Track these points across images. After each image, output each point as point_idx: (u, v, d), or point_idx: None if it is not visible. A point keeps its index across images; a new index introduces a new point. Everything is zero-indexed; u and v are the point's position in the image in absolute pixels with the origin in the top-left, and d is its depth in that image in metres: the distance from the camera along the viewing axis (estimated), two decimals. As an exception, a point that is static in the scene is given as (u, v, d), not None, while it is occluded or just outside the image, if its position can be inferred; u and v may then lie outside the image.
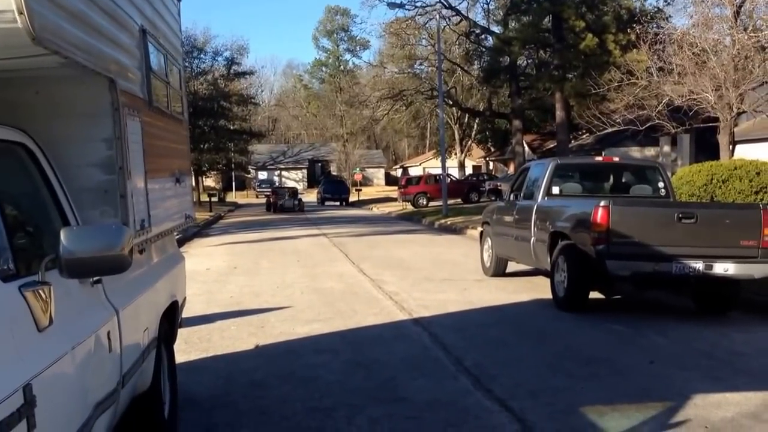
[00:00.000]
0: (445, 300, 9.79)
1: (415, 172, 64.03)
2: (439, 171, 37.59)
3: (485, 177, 48.86)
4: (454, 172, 53.71)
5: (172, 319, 4.85)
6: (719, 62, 18.41)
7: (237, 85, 56.56)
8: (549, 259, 9.50)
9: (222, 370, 6.37)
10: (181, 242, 16.24)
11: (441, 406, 5.26)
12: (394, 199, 45.79)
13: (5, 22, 2.42)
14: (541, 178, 10.60)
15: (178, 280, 5.25)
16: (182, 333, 6.21)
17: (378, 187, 74.32)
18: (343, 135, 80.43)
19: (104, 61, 3.41)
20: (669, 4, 30.37)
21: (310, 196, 57.98)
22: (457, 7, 38.47)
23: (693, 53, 18.70)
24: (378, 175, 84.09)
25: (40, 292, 2.49)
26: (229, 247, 18.30)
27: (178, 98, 5.55)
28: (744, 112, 19.83)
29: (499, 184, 34.83)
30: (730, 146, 18.88)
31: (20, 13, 2.40)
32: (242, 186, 75.74)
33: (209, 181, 64.62)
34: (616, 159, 13.16)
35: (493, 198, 31.01)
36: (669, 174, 12.33)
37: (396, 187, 51.24)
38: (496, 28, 40.55)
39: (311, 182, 78.71)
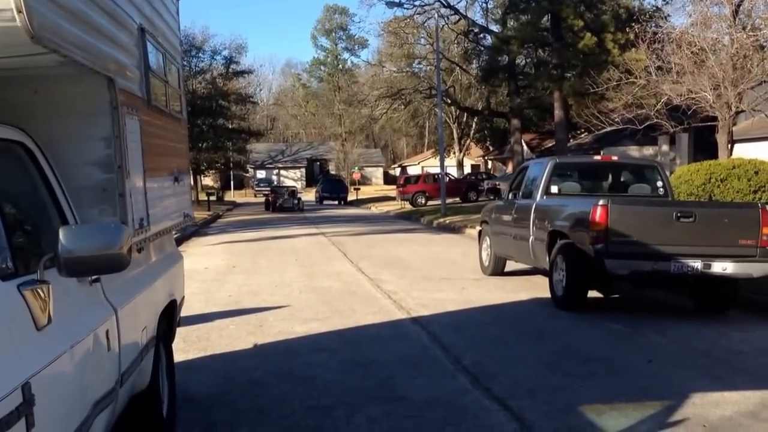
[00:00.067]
0: (443, 299, 9.80)
1: (413, 171, 64.07)
2: (437, 170, 37.60)
3: (484, 176, 48.89)
4: (453, 171, 53.66)
5: (170, 318, 4.85)
6: (718, 61, 18.41)
7: (235, 84, 56.55)
8: (548, 258, 9.50)
9: (220, 369, 6.36)
10: (179, 241, 16.23)
11: (439, 405, 5.26)
12: (393, 198, 45.78)
13: (4, 20, 2.42)
14: (540, 177, 10.61)
15: (177, 279, 5.25)
16: (181, 332, 6.21)
17: (376, 186, 74.31)
18: (341, 134, 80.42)
19: (103, 60, 3.41)
20: (668, 3, 30.38)
21: (309, 195, 57.91)
22: (456, 6, 38.51)
23: (692, 52, 18.71)
24: (376, 174, 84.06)
25: (39, 290, 2.49)
26: (227, 246, 18.30)
27: (176, 97, 5.55)
28: (742, 111, 19.82)
29: (497, 183, 34.75)
30: (729, 145, 18.89)
31: (19, 11, 2.40)
32: (240, 185, 75.73)
33: (208, 180, 64.64)
34: (615, 158, 13.17)
35: (491, 197, 30.84)
36: (667, 173, 12.34)
37: (394, 186, 51.23)
38: (494, 27, 40.57)
39: (309, 181, 78.68)
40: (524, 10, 34.26)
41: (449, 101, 47.90)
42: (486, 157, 59.62)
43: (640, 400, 5.33)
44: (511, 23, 36.52)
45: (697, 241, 8.30)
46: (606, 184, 11.07)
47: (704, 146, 26.08)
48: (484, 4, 43.70)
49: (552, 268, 9.28)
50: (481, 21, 42.58)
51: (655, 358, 6.61)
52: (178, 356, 5.94)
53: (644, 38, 21.11)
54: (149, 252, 4.45)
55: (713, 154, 19.22)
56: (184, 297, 5.62)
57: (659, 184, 10.68)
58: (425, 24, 41.61)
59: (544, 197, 10.38)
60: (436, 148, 44.19)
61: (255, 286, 11.14)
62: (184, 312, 6.07)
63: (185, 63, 40.64)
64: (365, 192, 58.14)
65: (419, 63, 48.95)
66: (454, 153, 58.60)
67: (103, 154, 3.58)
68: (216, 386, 5.83)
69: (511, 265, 11.98)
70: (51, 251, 2.60)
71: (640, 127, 22.05)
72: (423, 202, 39.53)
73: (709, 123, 19.79)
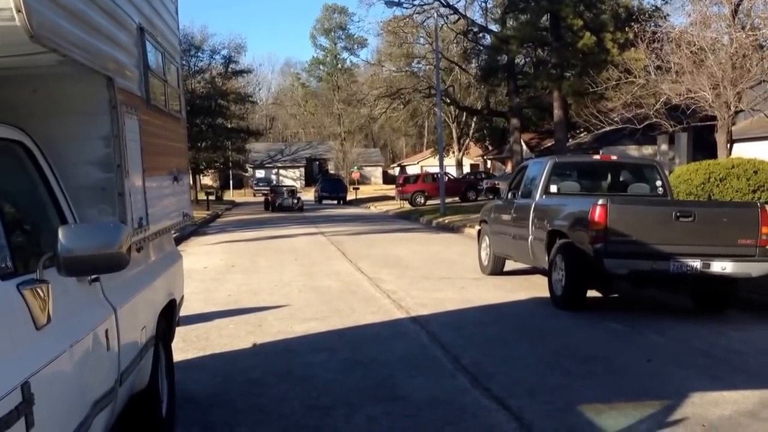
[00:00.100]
0: (442, 298, 9.80)
1: (412, 170, 64.11)
2: (436, 169, 37.60)
3: (483, 175, 48.84)
4: (452, 171, 53.69)
5: (169, 318, 4.85)
6: (717, 61, 18.42)
7: (234, 84, 56.49)
8: (547, 258, 9.50)
9: (220, 368, 6.36)
10: (178, 240, 16.23)
11: (439, 405, 5.26)
12: (392, 198, 45.78)
13: (3, 19, 2.41)
14: (539, 177, 10.61)
15: (176, 279, 5.25)
16: (180, 331, 6.21)
17: (376, 186, 74.30)
18: (340, 133, 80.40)
19: (102, 59, 3.40)
20: (667, 2, 30.40)
21: (308, 195, 57.90)
22: (455, 6, 38.54)
23: (691, 52, 18.71)
24: (376, 173, 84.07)
25: (38, 290, 2.49)
26: (226, 246, 18.29)
27: (175, 96, 5.54)
28: (742, 110, 19.84)
29: (496, 182, 34.80)
30: (728, 145, 18.90)
31: (18, 10, 2.39)
32: (240, 184, 75.74)
33: (207, 180, 64.66)
34: (614, 157, 13.19)
35: (490, 197, 30.93)
36: (667, 172, 12.35)
37: (394, 186, 51.23)
38: (494, 27, 40.58)
39: (309, 181, 78.68)
40: (523, 10, 34.29)
41: (448, 101, 47.90)
42: (485, 157, 59.64)
43: (639, 400, 5.33)
44: (511, 23, 36.52)
45: (697, 240, 8.30)
46: (605, 184, 11.07)
47: (703, 146, 26.10)
48: (483, 4, 43.82)
49: (551, 267, 9.28)
50: (480, 20, 42.65)
51: (655, 357, 6.61)
52: (178, 356, 5.94)
53: (643, 38, 21.11)
54: (148, 251, 4.44)
55: (712, 154, 19.24)
56: (183, 296, 5.61)
57: (658, 183, 10.68)
58: (424, 23, 41.65)
59: (544, 197, 10.38)
60: (436, 148, 44.22)
61: (254, 286, 11.14)
62: (184, 311, 6.07)
63: (184, 62, 40.64)
64: (364, 191, 58.13)
65: (418, 62, 48.96)
66: (453, 152, 58.61)
67: (102, 153, 3.57)
68: (215, 386, 5.83)
69: (510, 265, 11.98)
70: (50, 250, 2.60)
71: (639, 127, 22.06)
72: (422, 201, 39.53)
73: (708, 122, 19.81)
